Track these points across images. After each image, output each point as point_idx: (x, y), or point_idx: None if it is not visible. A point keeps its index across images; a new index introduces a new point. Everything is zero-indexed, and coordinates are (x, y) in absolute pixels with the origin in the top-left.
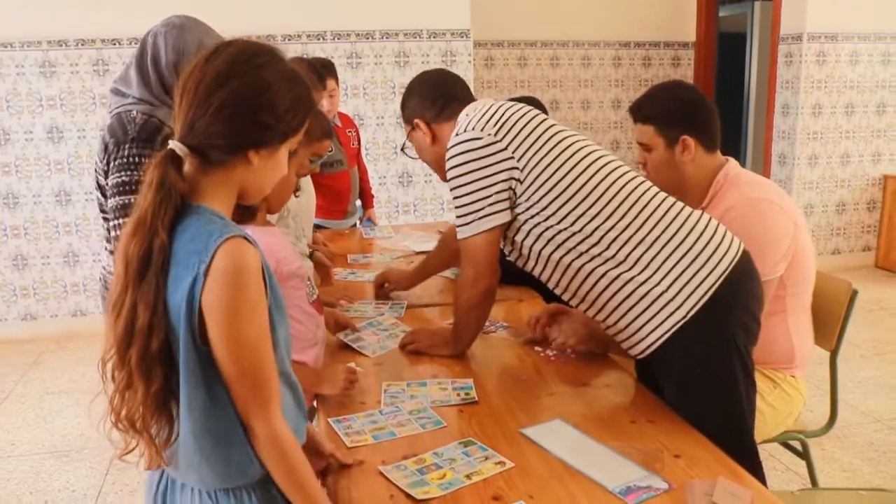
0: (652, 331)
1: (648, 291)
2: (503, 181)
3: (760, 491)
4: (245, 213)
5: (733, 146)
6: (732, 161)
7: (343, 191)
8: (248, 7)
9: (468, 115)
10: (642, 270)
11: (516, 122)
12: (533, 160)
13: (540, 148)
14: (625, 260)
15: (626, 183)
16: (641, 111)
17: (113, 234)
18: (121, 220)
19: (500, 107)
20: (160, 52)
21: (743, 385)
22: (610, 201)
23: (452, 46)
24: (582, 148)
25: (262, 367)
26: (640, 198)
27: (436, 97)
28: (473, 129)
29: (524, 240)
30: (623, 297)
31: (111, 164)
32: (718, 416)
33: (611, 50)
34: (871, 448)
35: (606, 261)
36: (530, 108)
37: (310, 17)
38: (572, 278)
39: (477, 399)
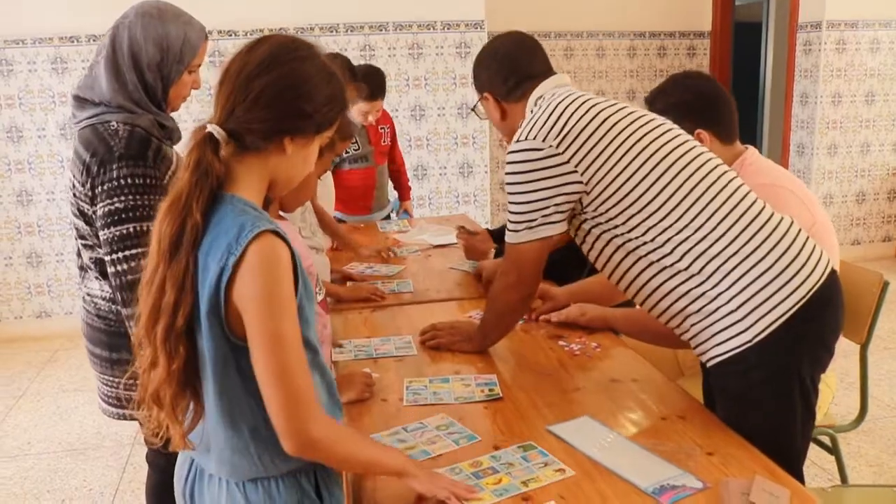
0: (713, 346)
1: (717, 308)
2: (562, 194)
3: (798, 490)
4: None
5: (749, 136)
6: (751, 150)
7: (366, 187)
8: (261, 0)
9: (533, 112)
10: (715, 285)
11: (581, 130)
12: (598, 173)
13: (607, 159)
14: (698, 273)
15: (709, 187)
16: (655, 104)
17: (112, 269)
18: (121, 254)
19: (566, 108)
20: (140, 49)
21: (800, 419)
22: (687, 211)
23: (467, 38)
24: (658, 149)
25: (300, 366)
26: (722, 204)
27: (507, 75)
28: (535, 137)
29: (595, 242)
30: (690, 310)
31: (98, 189)
32: (768, 447)
33: (625, 40)
34: None
35: (678, 272)
36: (601, 104)
37: (323, 9)
38: (641, 285)
39: (502, 395)
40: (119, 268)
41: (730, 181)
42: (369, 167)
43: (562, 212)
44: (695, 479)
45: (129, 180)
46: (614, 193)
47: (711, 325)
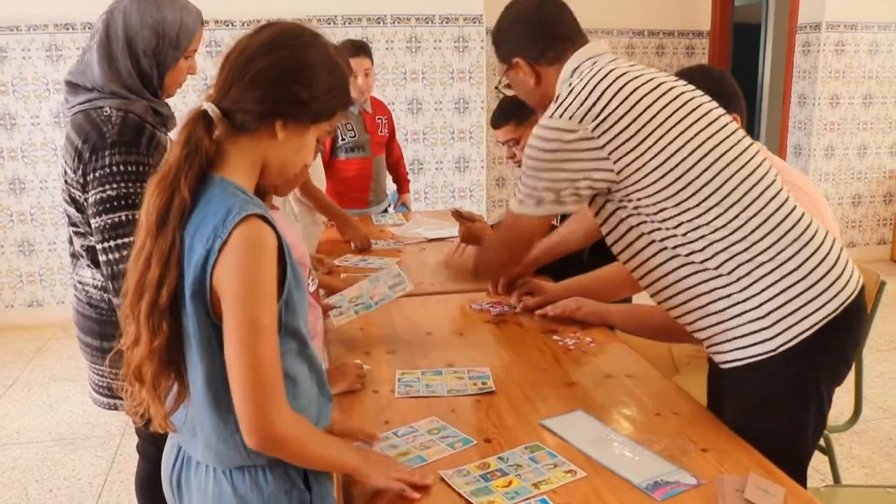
0: (732, 350)
1: (743, 313)
2: (587, 179)
3: (793, 488)
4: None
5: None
6: (757, 144)
7: (363, 178)
8: None
9: (571, 85)
10: (744, 289)
11: (622, 116)
12: (634, 164)
13: (645, 151)
14: (728, 274)
15: (752, 187)
16: None
17: (103, 257)
18: (112, 243)
19: (606, 88)
20: (135, 34)
21: (812, 428)
22: (726, 211)
23: (465, 32)
24: (703, 143)
25: (273, 356)
26: (763, 207)
27: (535, 38)
28: (570, 117)
29: (618, 224)
30: (712, 310)
31: (90, 176)
32: (778, 453)
33: (624, 38)
34: (891, 443)
35: (706, 270)
36: (644, 84)
37: (321, 1)
38: (660, 277)
39: (494, 389)
40: (111, 256)
41: (772, 182)
42: (366, 157)
43: (579, 195)
44: (689, 476)
45: (121, 167)
46: (649, 186)
47: (734, 328)
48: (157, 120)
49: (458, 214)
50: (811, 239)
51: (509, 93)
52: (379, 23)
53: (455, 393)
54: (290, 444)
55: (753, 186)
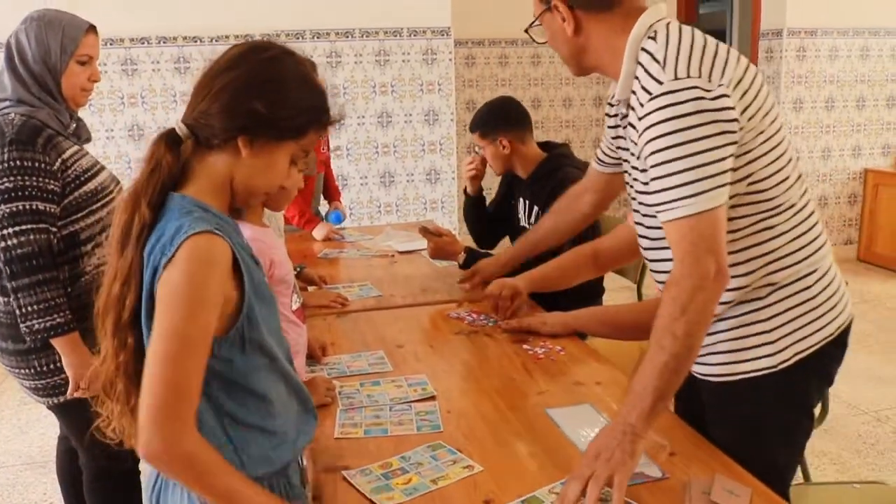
0: (725, 363)
1: (751, 324)
2: (733, 143)
3: (759, 488)
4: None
5: None
6: None
7: (308, 195)
8: (226, 6)
9: (668, 42)
10: (758, 298)
11: (752, 80)
12: (751, 143)
13: (762, 125)
14: (749, 284)
15: (803, 192)
16: None
17: (2, 244)
18: (10, 230)
19: (718, 44)
20: (25, 49)
21: (799, 445)
22: (785, 211)
23: (433, 45)
24: (780, 128)
25: (190, 372)
26: (803, 220)
27: None
28: (700, 74)
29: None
30: (723, 321)
31: None
32: (768, 472)
33: None
34: (860, 440)
35: (733, 277)
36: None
37: (289, 15)
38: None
39: (435, 394)
40: (9, 242)
41: (809, 197)
42: (311, 176)
43: (731, 164)
44: (656, 469)
45: (17, 163)
46: (744, 177)
47: (738, 339)
48: (61, 126)
49: (425, 231)
50: (826, 254)
51: (540, 39)
52: (347, 37)
53: (398, 400)
54: (196, 461)
55: (804, 192)
